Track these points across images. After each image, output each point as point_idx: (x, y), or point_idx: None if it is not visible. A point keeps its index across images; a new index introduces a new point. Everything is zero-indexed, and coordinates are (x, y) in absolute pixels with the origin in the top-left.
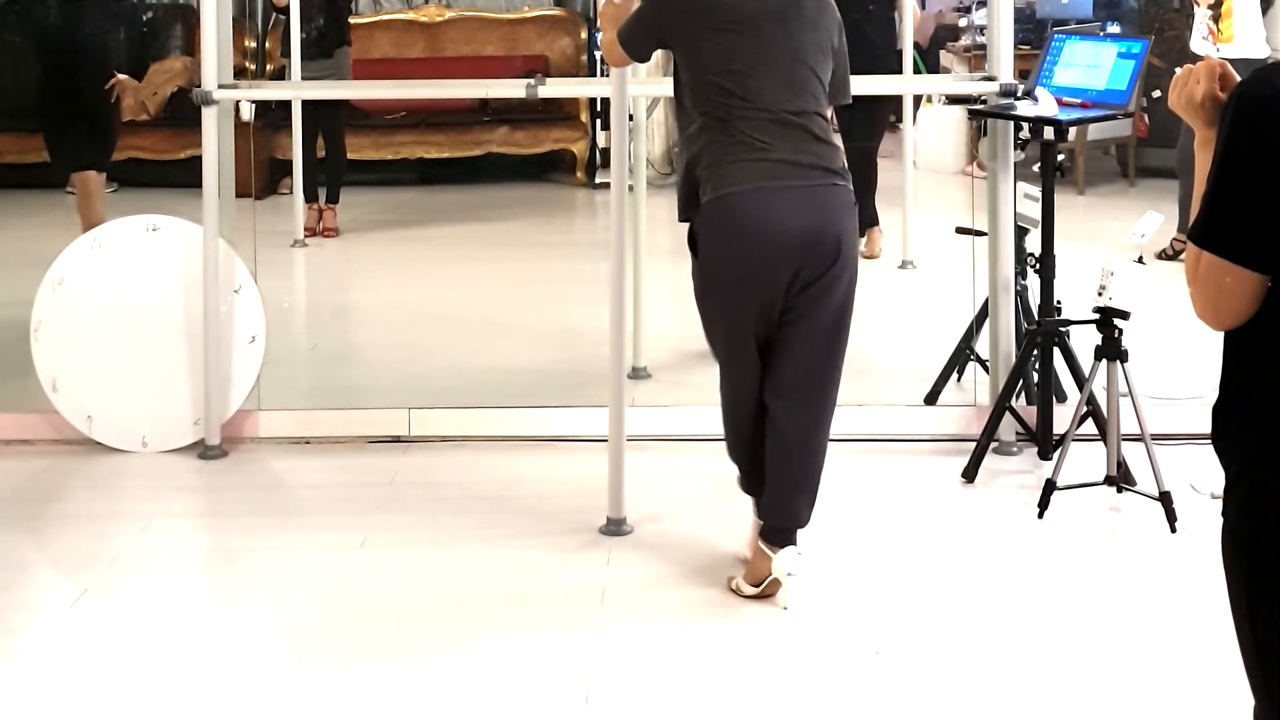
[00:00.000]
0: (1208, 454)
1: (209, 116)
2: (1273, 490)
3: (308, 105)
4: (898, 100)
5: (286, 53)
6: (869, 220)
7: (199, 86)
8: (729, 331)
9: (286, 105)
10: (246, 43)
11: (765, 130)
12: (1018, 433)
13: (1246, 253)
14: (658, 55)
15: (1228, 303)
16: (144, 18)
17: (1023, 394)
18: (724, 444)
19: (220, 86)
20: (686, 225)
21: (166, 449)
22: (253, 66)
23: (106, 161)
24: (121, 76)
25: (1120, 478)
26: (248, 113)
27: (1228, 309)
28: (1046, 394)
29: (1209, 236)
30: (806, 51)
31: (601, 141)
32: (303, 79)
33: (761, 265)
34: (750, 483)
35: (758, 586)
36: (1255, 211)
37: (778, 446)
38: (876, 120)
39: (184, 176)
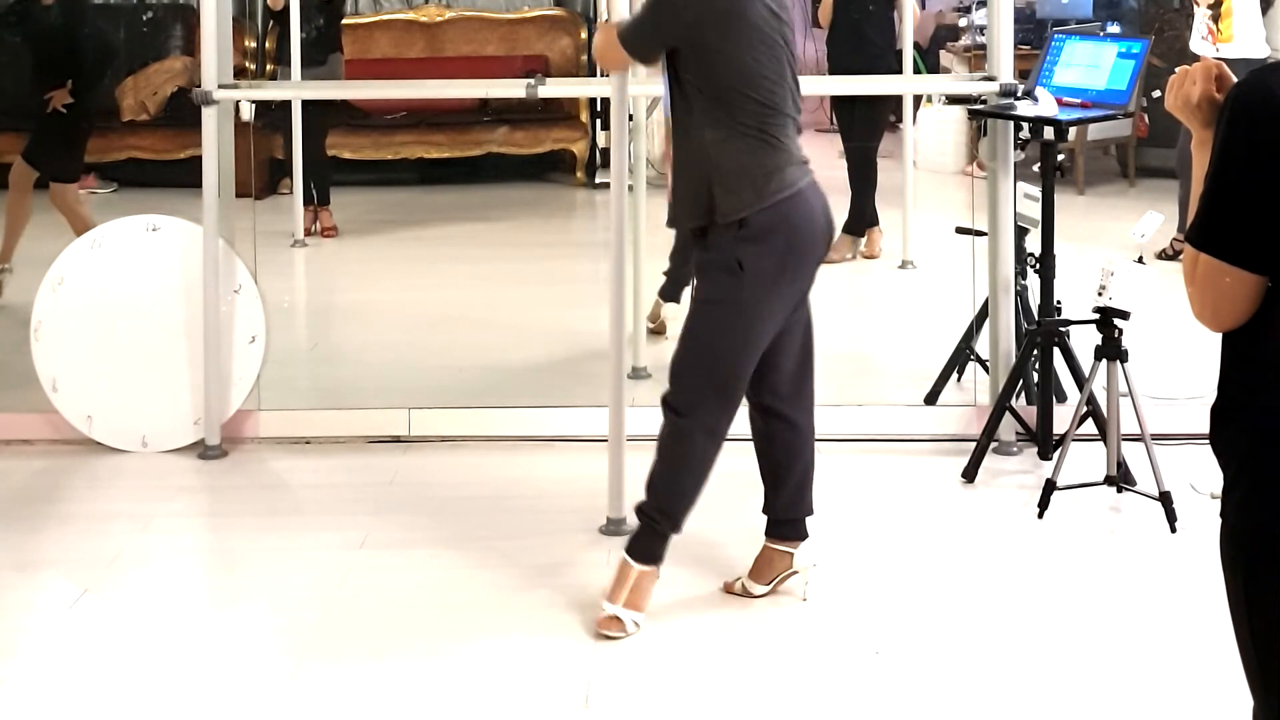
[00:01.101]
0: (1208, 454)
1: (209, 116)
2: (1270, 490)
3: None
4: (897, 100)
5: (281, 60)
6: (869, 220)
7: (199, 86)
8: (758, 340)
9: (286, 106)
10: (246, 43)
11: (789, 134)
12: (1018, 433)
13: (1244, 254)
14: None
15: (1226, 304)
16: (144, 18)
17: (1023, 394)
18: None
19: (220, 86)
20: (698, 236)
21: (166, 449)
22: (253, 66)
23: (50, 165)
24: (56, 91)
25: (1120, 478)
26: (248, 113)
27: (1226, 310)
28: (1046, 394)
29: (1206, 238)
30: (794, 51)
31: (601, 141)
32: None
33: (811, 263)
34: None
35: (770, 584)
36: (1252, 213)
37: (791, 441)
38: (876, 120)
39: (184, 176)
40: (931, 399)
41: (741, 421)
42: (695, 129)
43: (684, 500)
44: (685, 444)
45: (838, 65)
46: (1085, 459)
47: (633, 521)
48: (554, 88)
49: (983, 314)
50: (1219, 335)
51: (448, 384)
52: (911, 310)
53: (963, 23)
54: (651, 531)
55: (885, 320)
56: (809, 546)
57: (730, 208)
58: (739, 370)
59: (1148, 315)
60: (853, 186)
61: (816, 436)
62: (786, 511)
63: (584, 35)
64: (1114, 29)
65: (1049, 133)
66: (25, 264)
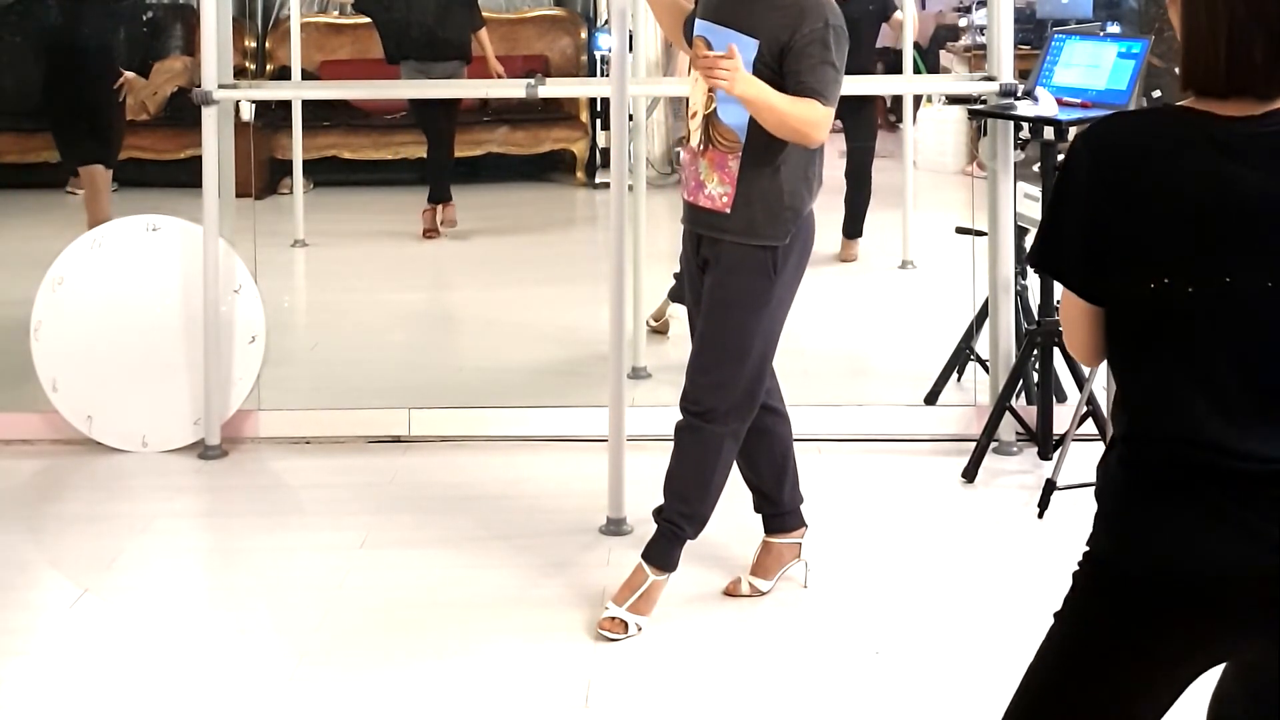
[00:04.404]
0: None
1: (209, 116)
2: (1137, 527)
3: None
4: (896, 100)
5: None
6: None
7: (199, 86)
8: (778, 339)
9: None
10: (246, 43)
11: None
12: (1018, 433)
13: (1073, 277)
14: (657, 55)
15: (1070, 330)
16: (144, 18)
17: (1023, 394)
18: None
19: (220, 86)
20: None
21: (166, 449)
22: (252, 66)
23: (113, 157)
24: (129, 75)
25: None
26: (248, 113)
27: (1073, 338)
28: (1046, 394)
29: (1038, 258)
30: None
31: (601, 141)
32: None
33: None
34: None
35: (776, 578)
36: (1081, 239)
37: (785, 431)
38: (873, 120)
39: (184, 176)
40: (931, 399)
41: None
42: (777, 143)
43: (712, 506)
44: (716, 450)
45: None
46: (1085, 459)
47: (632, 521)
48: (554, 88)
49: (983, 314)
50: None
51: (448, 384)
52: (911, 310)
53: (963, 23)
54: (674, 538)
55: (885, 320)
56: (810, 534)
57: (792, 219)
58: (764, 371)
59: None
60: (851, 188)
61: (817, 437)
62: (792, 502)
63: (584, 35)
64: (1114, 29)
65: (1049, 133)
66: (25, 264)
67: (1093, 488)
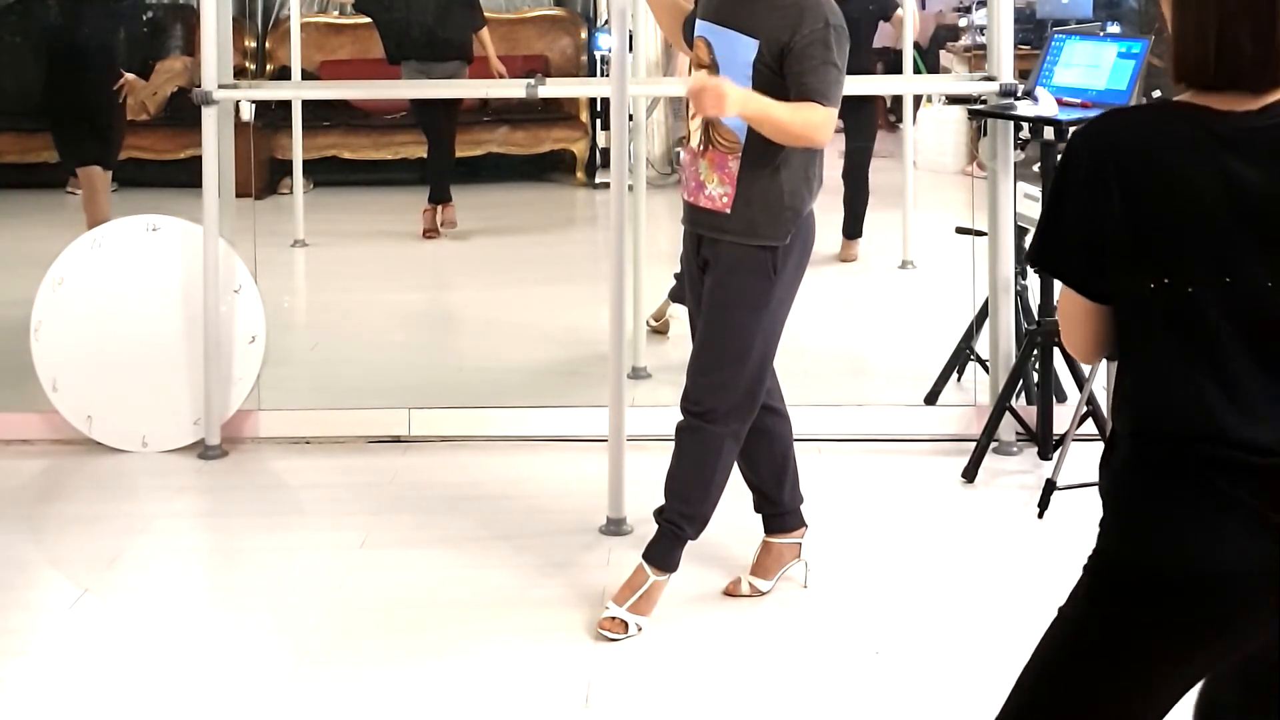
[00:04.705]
0: None
1: (209, 116)
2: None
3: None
4: (896, 99)
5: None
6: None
7: (199, 86)
8: (778, 339)
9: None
10: (246, 43)
11: None
12: (1018, 433)
13: (1072, 273)
14: (657, 55)
15: (1070, 328)
16: (144, 18)
17: (1023, 394)
18: (707, 505)
19: (220, 86)
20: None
21: (166, 449)
22: (253, 66)
23: (112, 158)
24: (129, 76)
25: None
26: (248, 113)
27: (1072, 336)
28: (1046, 394)
29: (1037, 255)
30: None
31: (601, 141)
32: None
33: None
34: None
35: (776, 578)
36: (1081, 236)
37: (785, 431)
38: (873, 120)
39: (184, 176)
40: (931, 399)
41: None
42: (776, 143)
43: (712, 506)
44: (717, 451)
45: None
46: (1085, 459)
47: (632, 521)
48: (554, 88)
49: (983, 314)
50: None
51: (448, 384)
52: (911, 310)
53: (963, 23)
54: (675, 539)
55: (885, 320)
56: (810, 534)
57: (792, 219)
58: (765, 371)
59: None
60: (849, 189)
61: (817, 437)
62: (792, 502)
63: (584, 35)
64: (1114, 29)
65: (1049, 133)
66: (25, 264)
67: (1094, 487)
